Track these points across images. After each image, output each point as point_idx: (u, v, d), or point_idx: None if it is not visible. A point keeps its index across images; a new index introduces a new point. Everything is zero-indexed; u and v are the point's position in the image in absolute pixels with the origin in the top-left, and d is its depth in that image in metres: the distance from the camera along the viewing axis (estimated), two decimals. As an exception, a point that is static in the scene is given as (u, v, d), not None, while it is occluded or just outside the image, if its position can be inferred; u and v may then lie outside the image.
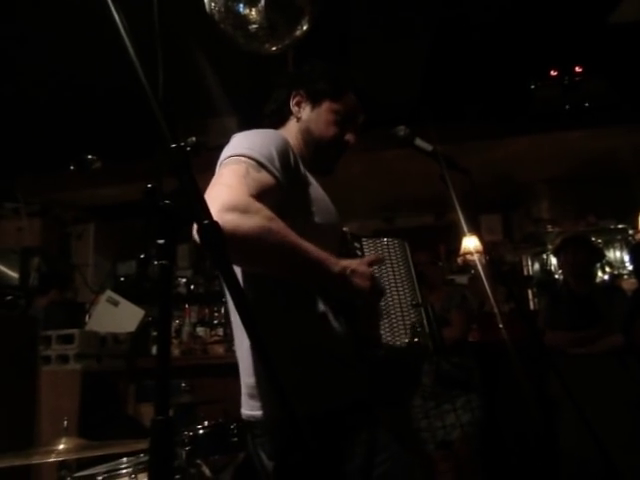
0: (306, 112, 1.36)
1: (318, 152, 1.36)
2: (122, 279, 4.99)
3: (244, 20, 2.09)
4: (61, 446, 1.48)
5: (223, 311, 4.39)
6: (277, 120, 1.39)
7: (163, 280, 0.61)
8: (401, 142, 1.49)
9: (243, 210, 1.02)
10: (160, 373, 0.60)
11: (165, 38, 0.92)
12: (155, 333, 3.89)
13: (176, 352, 3.91)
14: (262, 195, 1.08)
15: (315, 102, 1.36)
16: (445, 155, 1.48)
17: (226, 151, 1.18)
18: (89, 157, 4.46)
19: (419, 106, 3.52)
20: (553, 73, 3.78)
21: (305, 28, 2.18)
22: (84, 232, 4.81)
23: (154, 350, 3.81)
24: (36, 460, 1.41)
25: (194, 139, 0.67)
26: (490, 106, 3.54)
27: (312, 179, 1.30)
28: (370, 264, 1.21)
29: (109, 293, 3.85)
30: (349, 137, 1.36)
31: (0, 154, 3.80)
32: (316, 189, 1.29)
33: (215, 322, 4.34)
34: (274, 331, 1.10)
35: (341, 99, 1.36)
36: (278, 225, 1.06)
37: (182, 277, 4.87)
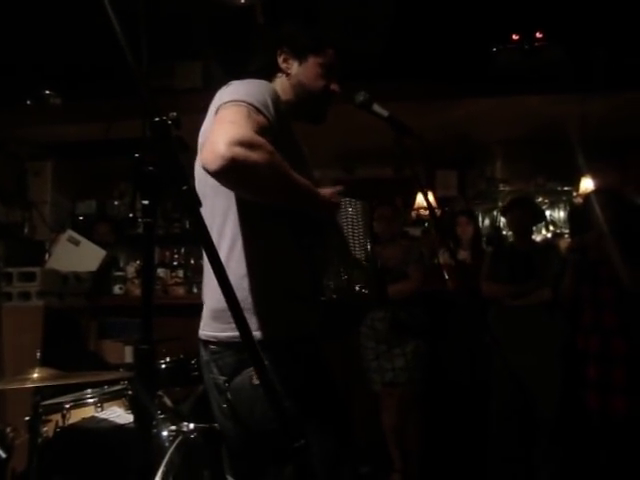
0: (294, 68, 1.49)
1: (311, 103, 1.51)
2: (81, 218, 4.98)
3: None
4: (35, 375, 1.60)
5: (183, 252, 4.48)
6: (264, 77, 1.48)
7: (146, 235, 0.73)
8: (359, 107, 1.60)
9: (249, 144, 1.15)
10: (145, 312, 0.73)
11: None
12: (117, 273, 3.97)
13: (137, 292, 4.02)
14: (262, 135, 1.21)
15: (301, 58, 1.49)
16: (400, 122, 1.61)
17: (224, 96, 1.29)
18: (47, 92, 4.34)
19: (381, 62, 3.59)
20: (515, 37, 3.89)
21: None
22: (42, 169, 4.72)
23: (116, 289, 3.90)
24: (15, 385, 1.53)
25: (175, 114, 0.76)
26: (451, 66, 3.63)
27: (294, 131, 1.45)
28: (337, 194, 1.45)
29: (70, 232, 3.87)
30: (334, 87, 1.53)
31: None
32: (296, 141, 1.45)
33: (175, 264, 4.43)
34: (251, 269, 1.30)
35: (323, 53, 1.50)
36: (278, 158, 1.22)
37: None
